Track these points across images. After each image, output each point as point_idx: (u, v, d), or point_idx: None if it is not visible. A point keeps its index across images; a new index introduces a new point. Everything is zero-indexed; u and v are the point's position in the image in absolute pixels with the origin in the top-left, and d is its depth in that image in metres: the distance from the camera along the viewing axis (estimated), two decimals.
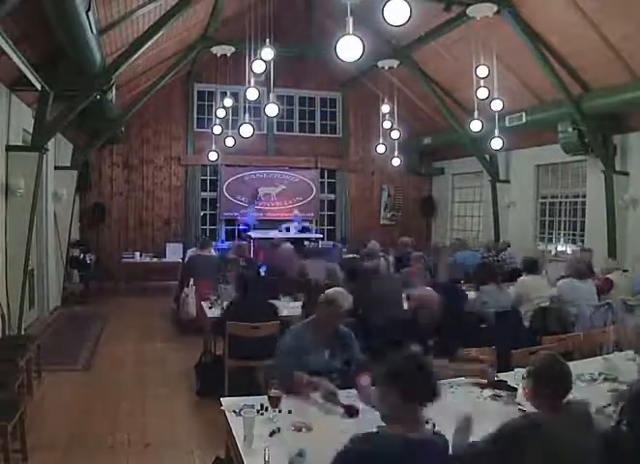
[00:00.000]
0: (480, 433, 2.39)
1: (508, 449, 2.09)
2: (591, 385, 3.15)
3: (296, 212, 11.50)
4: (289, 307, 5.53)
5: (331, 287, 3.64)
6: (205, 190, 11.76)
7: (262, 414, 2.69)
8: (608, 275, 6.21)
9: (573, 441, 2.08)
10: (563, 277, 5.89)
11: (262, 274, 7.63)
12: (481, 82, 6.75)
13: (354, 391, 2.96)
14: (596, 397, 2.91)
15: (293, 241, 10.33)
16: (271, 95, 6.32)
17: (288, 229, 11.09)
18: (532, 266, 5.77)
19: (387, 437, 1.91)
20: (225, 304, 5.17)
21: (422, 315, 3.50)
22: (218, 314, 5.21)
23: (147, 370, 5.72)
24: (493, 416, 2.72)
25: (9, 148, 5.86)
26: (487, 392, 3.06)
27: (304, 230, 11.18)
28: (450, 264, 8.13)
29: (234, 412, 2.68)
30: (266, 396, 2.79)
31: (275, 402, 2.71)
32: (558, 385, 2.19)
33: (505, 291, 5.43)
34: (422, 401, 1.96)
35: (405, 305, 4.58)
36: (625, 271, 6.69)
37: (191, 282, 6.98)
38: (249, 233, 11.15)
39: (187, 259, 8.17)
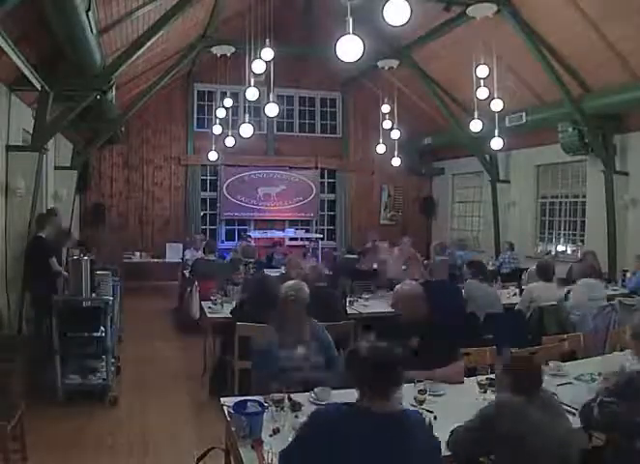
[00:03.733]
0: None
1: (484, 429, 2.21)
2: (591, 384, 3.15)
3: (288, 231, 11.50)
4: None
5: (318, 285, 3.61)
6: (205, 190, 11.77)
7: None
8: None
9: (543, 423, 2.17)
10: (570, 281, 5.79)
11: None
12: (481, 82, 6.76)
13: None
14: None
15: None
16: (271, 95, 6.32)
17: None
18: (546, 272, 5.33)
19: (348, 407, 2.00)
20: (234, 303, 5.16)
21: (403, 311, 3.43)
22: (220, 315, 5.22)
23: (147, 370, 5.71)
24: None
25: (9, 148, 5.86)
26: (489, 392, 3.05)
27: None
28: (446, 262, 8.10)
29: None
30: (267, 396, 2.79)
31: (276, 403, 2.72)
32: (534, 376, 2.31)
33: (490, 287, 5.37)
34: (369, 389, 2.01)
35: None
36: (625, 271, 6.69)
37: (195, 284, 6.96)
38: (249, 233, 11.17)
39: (191, 262, 8.07)
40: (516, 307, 5.30)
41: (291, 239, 11.30)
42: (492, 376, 3.27)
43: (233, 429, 2.53)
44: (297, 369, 3.12)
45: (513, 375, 2.33)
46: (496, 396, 2.49)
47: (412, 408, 2.68)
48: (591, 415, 2.37)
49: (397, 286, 3.61)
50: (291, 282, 3.50)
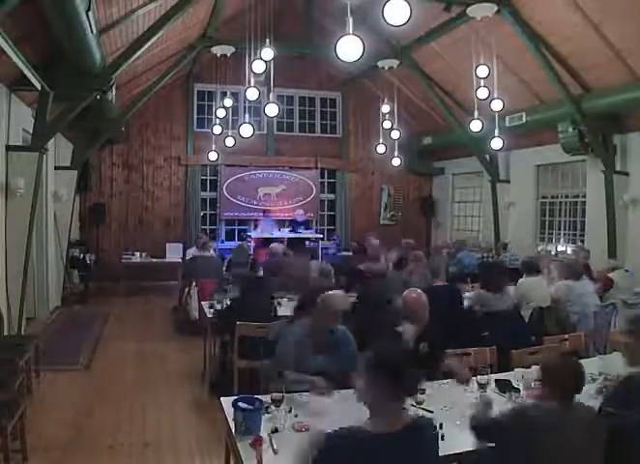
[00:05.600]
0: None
1: (523, 433, 2.13)
2: (591, 385, 3.15)
3: (300, 211, 11.48)
4: (289, 307, 5.51)
5: (323, 287, 3.60)
6: (205, 190, 11.76)
7: (263, 413, 2.69)
8: (609, 274, 6.21)
9: (582, 436, 2.11)
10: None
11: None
12: (481, 82, 6.75)
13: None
14: (596, 397, 2.92)
15: (293, 241, 10.38)
16: (271, 95, 6.32)
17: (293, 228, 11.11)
18: (531, 268, 5.75)
19: (357, 432, 1.93)
20: (227, 302, 5.18)
21: (410, 318, 3.42)
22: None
23: (147, 370, 5.72)
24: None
25: (9, 148, 5.86)
26: (491, 392, 3.06)
27: (305, 228, 11.17)
28: (450, 264, 8.11)
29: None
30: (266, 396, 2.79)
31: (276, 402, 2.72)
32: (572, 384, 2.22)
33: (505, 295, 5.37)
34: (406, 394, 2.00)
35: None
36: (625, 270, 6.68)
37: (194, 284, 6.97)
38: (250, 233, 11.16)
39: (187, 260, 8.17)
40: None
41: (290, 239, 11.26)
42: (495, 376, 3.28)
43: (232, 425, 2.54)
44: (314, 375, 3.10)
45: (549, 380, 2.25)
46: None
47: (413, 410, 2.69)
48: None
49: (404, 293, 3.60)
50: (331, 292, 3.45)
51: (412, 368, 2.01)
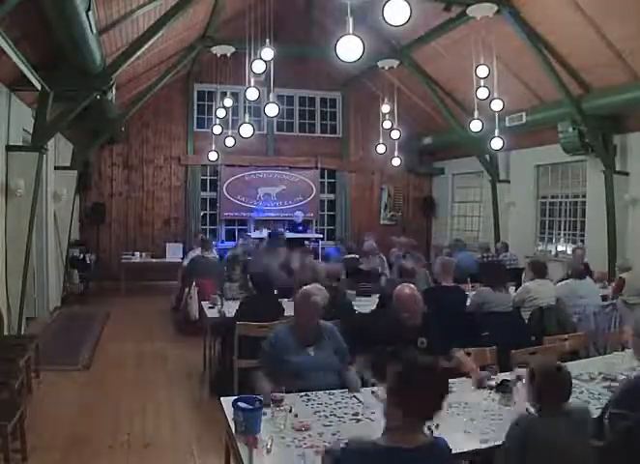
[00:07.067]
0: (482, 432, 2.40)
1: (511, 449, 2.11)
2: (590, 384, 3.15)
3: (299, 212, 11.48)
4: (289, 307, 5.50)
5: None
6: (205, 190, 11.77)
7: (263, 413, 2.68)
8: (622, 275, 6.19)
9: (571, 442, 2.10)
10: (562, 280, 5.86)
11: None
12: (481, 82, 6.75)
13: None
14: (595, 396, 2.92)
15: (293, 241, 10.36)
16: (271, 95, 6.32)
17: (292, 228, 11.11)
18: (541, 270, 5.44)
19: (376, 448, 1.85)
20: (236, 302, 5.15)
21: (402, 315, 3.43)
22: (218, 314, 5.22)
23: (147, 370, 5.72)
24: (494, 416, 2.73)
25: (9, 148, 5.86)
26: (493, 393, 3.05)
27: (304, 228, 11.17)
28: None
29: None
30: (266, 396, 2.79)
31: (276, 402, 2.72)
32: (561, 394, 2.21)
33: (505, 294, 5.35)
34: (423, 416, 1.89)
35: None
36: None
37: (194, 284, 6.97)
38: (249, 233, 11.16)
39: (188, 261, 8.17)
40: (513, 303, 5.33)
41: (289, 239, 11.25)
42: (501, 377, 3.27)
43: (232, 425, 2.54)
44: (308, 372, 3.11)
45: (537, 387, 2.23)
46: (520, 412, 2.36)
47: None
48: (602, 433, 2.25)
49: (397, 288, 3.60)
50: (309, 286, 3.45)
51: (439, 388, 1.90)
